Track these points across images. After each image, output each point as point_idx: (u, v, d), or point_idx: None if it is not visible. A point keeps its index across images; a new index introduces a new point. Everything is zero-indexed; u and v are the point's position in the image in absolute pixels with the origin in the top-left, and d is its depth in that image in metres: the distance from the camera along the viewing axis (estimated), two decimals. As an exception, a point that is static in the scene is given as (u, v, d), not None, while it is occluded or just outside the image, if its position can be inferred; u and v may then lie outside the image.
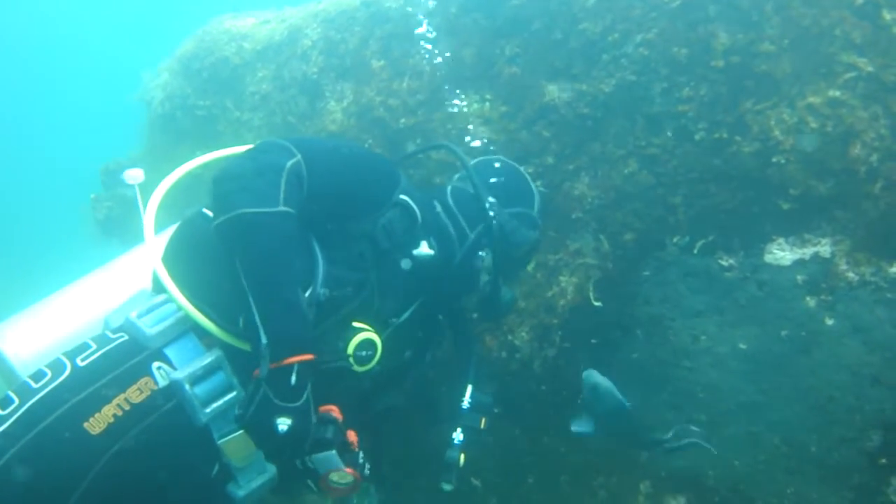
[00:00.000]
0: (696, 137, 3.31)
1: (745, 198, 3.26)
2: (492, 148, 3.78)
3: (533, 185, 2.96)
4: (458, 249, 2.73)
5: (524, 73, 3.75)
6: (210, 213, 2.30)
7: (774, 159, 3.16)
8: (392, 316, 2.55)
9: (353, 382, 2.42)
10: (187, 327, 2.32)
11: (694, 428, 3.31)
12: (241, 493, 2.34)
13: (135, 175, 2.80)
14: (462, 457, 2.87)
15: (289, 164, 2.17)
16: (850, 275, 3.10)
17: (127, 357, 2.26)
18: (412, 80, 4.05)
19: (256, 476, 2.36)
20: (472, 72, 3.90)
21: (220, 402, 2.24)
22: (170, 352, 2.29)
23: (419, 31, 4.02)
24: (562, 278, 3.63)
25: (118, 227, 6.17)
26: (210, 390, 2.24)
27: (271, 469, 2.39)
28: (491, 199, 2.74)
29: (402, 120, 4.02)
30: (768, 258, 3.24)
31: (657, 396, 3.49)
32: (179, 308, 2.26)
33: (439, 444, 2.96)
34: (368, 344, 2.31)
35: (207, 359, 2.25)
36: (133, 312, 2.35)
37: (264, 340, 2.02)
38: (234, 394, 2.26)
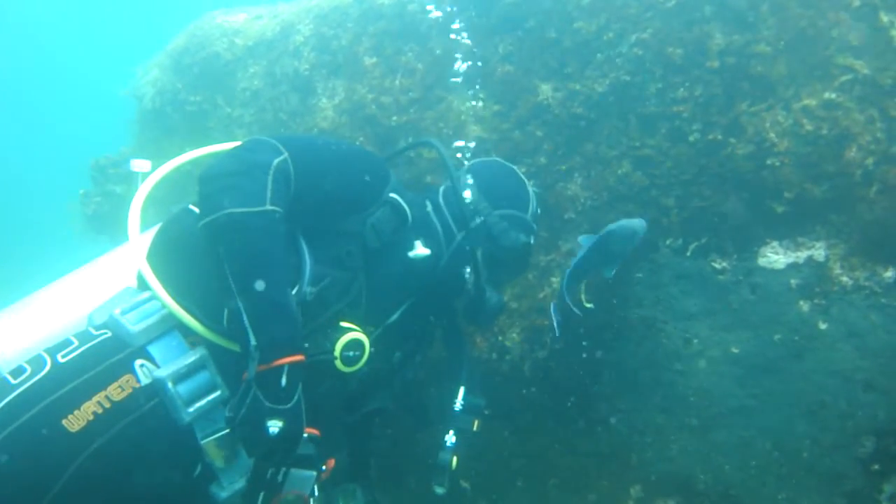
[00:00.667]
0: (691, 139, 3.29)
1: (739, 200, 3.23)
2: (487, 148, 3.75)
3: (530, 189, 2.90)
4: (444, 250, 2.67)
5: (517, 71, 3.71)
6: (196, 210, 2.25)
7: (769, 161, 3.13)
8: (381, 317, 2.51)
9: (339, 383, 2.37)
10: (171, 325, 2.27)
11: None
12: (223, 494, 2.28)
13: (142, 165, 2.74)
14: (454, 459, 2.83)
15: (275, 161, 2.13)
16: (845, 279, 3.07)
17: (109, 354, 2.22)
18: (404, 78, 4.01)
19: (239, 478, 2.29)
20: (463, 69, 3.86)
21: (204, 401, 2.18)
22: (153, 349, 2.24)
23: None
24: (553, 279, 3.59)
25: (107, 223, 6.08)
26: (193, 389, 2.19)
27: None
28: (469, 197, 2.69)
29: (395, 118, 3.98)
30: (762, 261, 3.21)
31: (648, 400, 3.47)
32: (164, 306, 2.21)
33: (428, 445, 2.93)
34: (356, 344, 2.25)
35: (191, 357, 2.20)
36: (117, 309, 2.30)
37: (253, 342, 1.97)
38: (218, 393, 2.21)
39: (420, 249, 2.53)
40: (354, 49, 4.20)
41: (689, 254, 3.35)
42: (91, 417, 2.08)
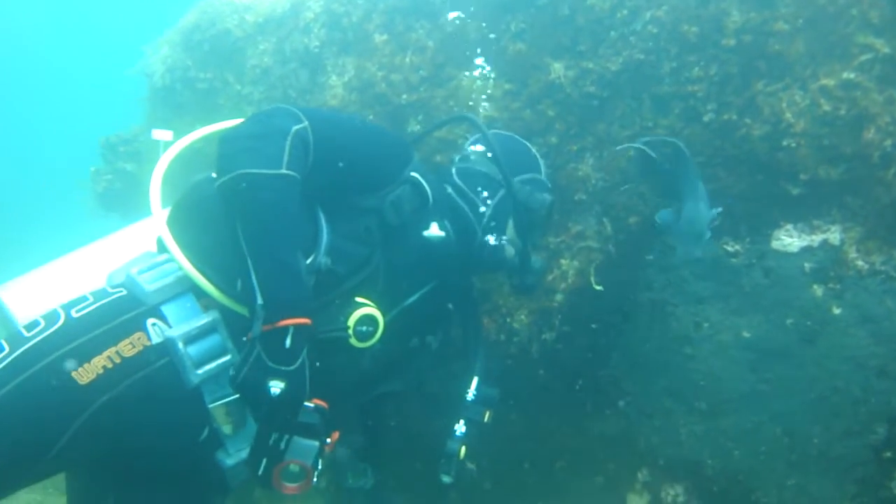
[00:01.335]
0: (705, 119, 3.24)
1: (754, 182, 3.19)
2: (498, 127, 3.70)
3: (534, 151, 2.90)
4: (477, 227, 2.68)
5: (530, 49, 3.66)
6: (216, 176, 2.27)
7: (785, 143, 3.08)
8: (399, 297, 2.49)
9: (351, 359, 2.36)
10: (187, 287, 2.28)
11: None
12: (229, 461, 2.30)
13: (163, 135, 2.77)
14: (463, 449, 2.80)
15: (295, 128, 2.15)
16: (860, 263, 3.03)
17: (122, 311, 2.24)
18: (415, 56, 3.96)
19: (246, 446, 2.28)
20: (475, 47, 3.82)
21: (213, 364, 2.20)
22: (167, 310, 2.25)
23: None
24: (563, 261, 3.56)
25: (118, 201, 6.10)
26: (204, 351, 2.21)
27: None
28: (486, 169, 2.71)
29: (405, 96, 3.94)
30: (775, 244, 3.18)
31: (657, 383, 3.44)
32: (179, 267, 2.24)
33: (438, 431, 2.92)
34: (370, 320, 2.25)
35: (204, 319, 2.22)
36: (134, 269, 2.32)
37: (259, 301, 1.99)
38: (228, 357, 2.22)
39: (434, 230, 2.51)
40: (365, 26, 4.16)
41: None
42: (101, 371, 2.10)
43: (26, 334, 2.17)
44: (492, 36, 3.77)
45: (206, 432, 2.27)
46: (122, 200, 6.11)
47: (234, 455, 2.31)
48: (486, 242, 2.68)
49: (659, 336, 3.43)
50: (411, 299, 2.53)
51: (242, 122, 2.23)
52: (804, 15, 3.08)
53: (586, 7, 3.47)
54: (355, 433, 2.81)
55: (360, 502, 2.95)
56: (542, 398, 3.65)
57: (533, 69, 3.64)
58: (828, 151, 3.04)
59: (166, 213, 2.42)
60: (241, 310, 2.19)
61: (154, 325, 2.22)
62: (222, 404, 2.22)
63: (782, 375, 3.20)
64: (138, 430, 2.16)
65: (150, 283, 2.26)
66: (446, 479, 2.81)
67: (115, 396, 2.10)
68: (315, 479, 2.17)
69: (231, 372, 2.06)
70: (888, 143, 2.95)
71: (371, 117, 4.01)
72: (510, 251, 2.68)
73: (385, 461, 3.02)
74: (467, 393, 2.88)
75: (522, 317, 3.68)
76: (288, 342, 1.99)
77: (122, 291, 2.32)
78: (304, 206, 2.23)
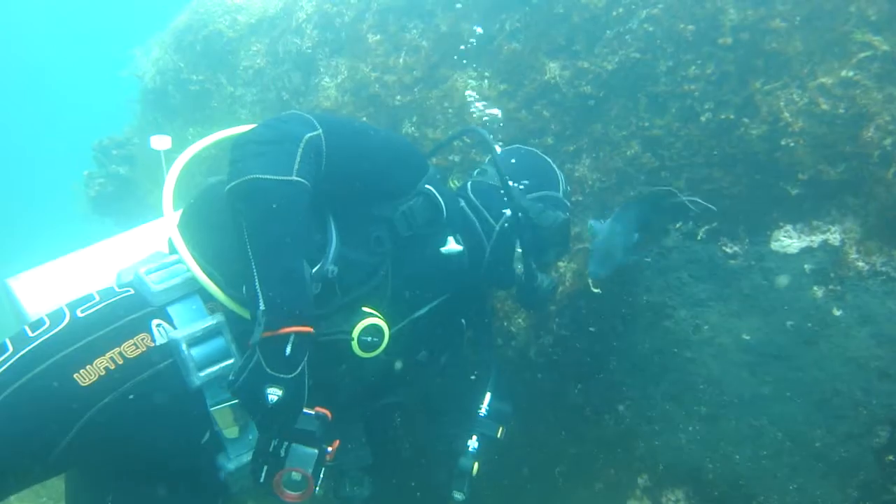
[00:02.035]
0: (702, 119, 3.22)
1: (752, 182, 3.17)
2: (493, 128, 3.69)
3: (556, 168, 2.91)
4: (486, 243, 2.69)
5: (524, 49, 3.65)
6: None
7: (783, 142, 3.06)
8: (407, 309, 2.50)
9: (355, 368, 2.37)
10: (193, 289, 2.32)
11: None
12: (230, 466, 2.32)
13: (162, 143, 2.80)
14: (476, 466, 2.82)
15: (308, 135, 2.16)
16: (861, 264, 3.01)
17: (128, 311, 2.27)
18: (409, 56, 3.96)
19: (248, 451, 2.33)
20: (469, 47, 3.81)
21: (216, 367, 2.22)
22: (172, 311, 2.29)
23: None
24: (560, 264, 3.55)
25: (111, 205, 6.11)
26: (207, 354, 2.23)
27: None
28: (514, 184, 2.71)
29: (398, 97, 3.94)
30: (775, 246, 3.15)
31: (656, 387, 3.42)
32: (188, 269, 2.26)
33: (442, 442, 2.93)
34: (375, 330, 2.27)
35: (209, 322, 2.25)
36: (143, 269, 2.36)
37: (261, 307, 2.00)
38: (231, 361, 2.25)
39: (452, 245, 2.53)
40: (358, 26, 4.16)
41: (699, 238, 3.29)
42: (103, 373, 2.12)
43: (30, 334, 2.20)
44: (485, 41, 3.76)
45: (207, 436, 2.29)
46: (116, 204, 6.12)
47: (235, 460, 2.33)
48: (495, 257, 2.69)
49: (658, 339, 3.41)
50: (420, 312, 2.54)
51: (256, 127, 2.24)
52: (802, 12, 3.06)
53: (581, 6, 3.47)
54: (357, 443, 2.80)
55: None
56: (540, 402, 3.63)
57: (528, 69, 3.64)
58: (827, 151, 3.02)
59: (178, 214, 2.46)
60: (247, 314, 2.20)
61: (159, 325, 2.25)
62: (224, 408, 2.24)
63: (783, 378, 3.17)
64: (140, 432, 2.19)
65: (157, 284, 2.31)
66: (459, 496, 2.81)
67: (117, 398, 2.12)
68: (317, 489, 2.20)
69: (230, 377, 2.07)
70: (888, 141, 2.93)
71: (364, 119, 4.00)
72: (519, 268, 2.70)
73: (384, 471, 3.02)
74: (480, 408, 2.89)
75: (520, 320, 3.67)
76: (288, 350, 2.00)
77: (129, 291, 2.36)
78: (314, 214, 2.25)
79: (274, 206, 2.04)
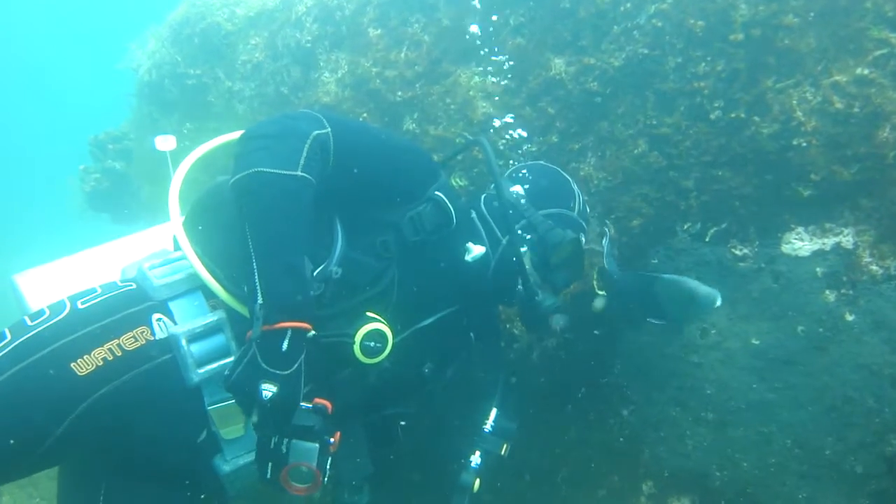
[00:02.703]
0: (712, 117, 3.17)
1: (763, 183, 3.12)
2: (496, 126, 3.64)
3: (575, 187, 2.87)
4: (492, 257, 2.66)
5: (529, 44, 3.59)
6: None
7: (795, 142, 3.01)
8: (414, 317, 2.49)
9: (357, 374, 2.35)
10: (196, 285, 2.34)
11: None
12: (226, 468, 2.32)
13: (167, 143, 2.80)
14: (477, 482, 2.78)
15: (315, 132, 2.17)
16: (874, 268, 2.96)
17: (129, 304, 2.28)
18: (410, 51, 3.90)
19: (245, 453, 2.33)
20: (473, 42, 3.75)
21: (215, 364, 2.23)
22: (174, 306, 2.31)
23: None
24: (564, 264, 3.49)
25: (107, 200, 6.06)
26: (207, 351, 2.24)
27: None
28: (518, 197, 2.70)
29: (399, 93, 3.88)
30: (785, 248, 3.11)
31: (662, 392, 3.38)
32: (191, 265, 2.27)
33: (444, 452, 2.89)
34: (378, 335, 2.24)
35: (209, 319, 2.27)
36: (146, 264, 2.38)
37: (259, 301, 1.99)
38: (231, 359, 2.24)
39: (476, 249, 2.54)
40: (358, 20, 4.10)
41: (707, 239, 3.24)
42: (100, 363, 2.13)
43: (29, 323, 2.21)
44: (490, 34, 3.70)
45: (204, 434, 2.29)
46: (112, 200, 6.07)
47: (232, 462, 2.33)
48: (498, 271, 2.66)
49: (664, 343, 3.36)
50: (427, 321, 2.52)
51: (263, 122, 2.25)
52: (815, 8, 3.01)
53: (588, 0, 3.40)
54: (358, 452, 2.76)
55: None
56: (542, 407, 3.59)
57: (533, 65, 3.58)
58: (840, 151, 2.97)
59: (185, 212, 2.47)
60: (247, 312, 2.18)
61: (159, 320, 2.27)
62: (222, 407, 2.24)
63: (793, 384, 3.12)
64: (135, 426, 2.20)
65: (159, 279, 2.33)
66: None
67: (113, 390, 2.13)
68: (325, 480, 2.17)
69: (226, 372, 2.05)
70: (904, 142, 2.88)
71: (365, 115, 3.95)
72: (520, 285, 2.65)
73: (384, 482, 2.99)
74: (485, 424, 2.86)
75: (522, 323, 3.62)
76: (285, 345, 1.98)
77: (131, 285, 2.39)
78: (319, 214, 2.23)
79: (277, 199, 2.05)
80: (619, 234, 3.40)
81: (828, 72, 3.01)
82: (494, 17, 3.67)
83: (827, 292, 3.04)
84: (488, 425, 2.85)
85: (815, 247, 3.06)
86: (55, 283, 2.57)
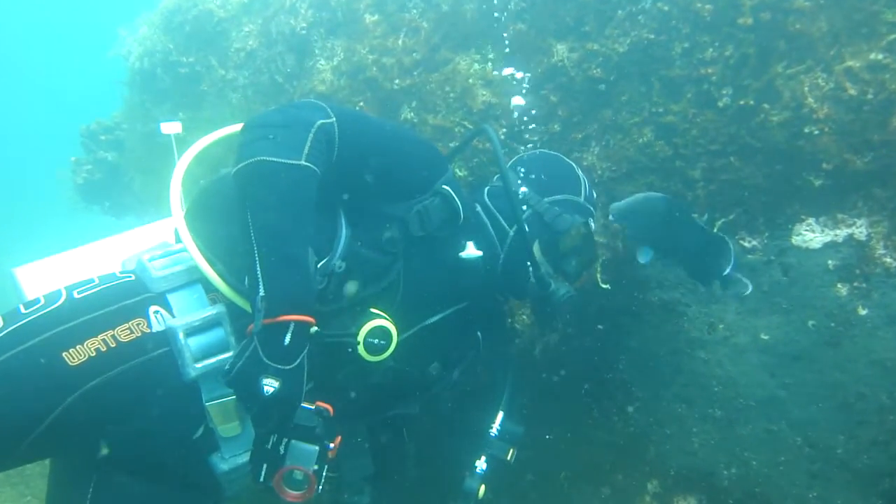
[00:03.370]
0: (720, 104, 3.10)
1: (773, 172, 3.06)
2: (496, 114, 3.57)
3: (580, 172, 2.83)
4: (500, 250, 2.63)
5: (530, 30, 3.52)
6: None
7: (807, 130, 2.95)
8: (420, 314, 2.46)
9: (360, 372, 2.31)
10: (196, 278, 2.31)
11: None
12: (224, 466, 2.29)
13: (172, 128, 2.81)
14: (482, 488, 2.73)
15: (320, 121, 2.14)
16: (888, 260, 2.92)
17: (126, 296, 2.26)
18: (408, 38, 3.81)
19: (243, 452, 2.30)
20: (473, 28, 3.67)
21: (214, 359, 2.20)
22: (172, 298, 2.28)
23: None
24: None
25: (99, 192, 5.99)
26: (205, 345, 2.21)
27: None
28: (523, 187, 2.66)
29: (397, 81, 3.80)
30: (796, 240, 3.07)
31: (668, 389, 3.35)
32: (191, 257, 2.24)
33: (447, 454, 2.84)
34: (382, 332, 2.21)
35: (209, 312, 2.23)
36: (146, 255, 2.36)
37: (261, 293, 1.96)
38: (230, 354, 2.21)
39: (471, 250, 2.48)
40: (354, 6, 4.02)
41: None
42: (93, 354, 2.10)
43: (23, 311, 2.18)
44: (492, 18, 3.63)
45: (200, 431, 2.26)
46: (104, 192, 6.00)
47: (230, 460, 2.30)
48: (508, 263, 2.62)
49: (670, 338, 3.34)
50: (433, 319, 2.49)
51: (267, 111, 2.22)
52: (828, -10, 2.93)
53: (591, -17, 3.33)
54: (359, 452, 2.71)
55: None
56: (545, 404, 3.54)
57: (534, 51, 3.50)
58: (853, 139, 2.91)
59: (187, 204, 2.45)
60: (247, 306, 2.18)
61: (157, 312, 2.25)
62: (220, 403, 2.21)
63: (803, 381, 3.09)
64: (127, 420, 2.15)
65: (158, 270, 2.30)
66: None
67: (105, 382, 2.09)
68: (319, 488, 2.13)
69: (226, 367, 2.02)
70: (919, 129, 2.81)
71: (361, 104, 3.87)
72: (532, 275, 2.60)
73: (387, 483, 2.95)
74: (491, 428, 2.81)
75: (525, 317, 3.58)
76: (287, 339, 1.96)
77: (130, 277, 2.36)
78: (323, 205, 2.20)
79: (280, 188, 2.02)
80: (624, 226, 3.32)
81: (840, 57, 2.93)
82: (495, 1, 3.59)
83: (839, 285, 3.00)
84: (494, 429, 2.80)
85: (827, 238, 3.02)
86: (55, 276, 2.54)
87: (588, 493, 3.49)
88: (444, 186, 2.44)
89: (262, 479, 2.10)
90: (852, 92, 2.88)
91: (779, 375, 3.13)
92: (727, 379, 3.23)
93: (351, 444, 2.57)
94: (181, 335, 2.17)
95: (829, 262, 3.00)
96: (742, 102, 3.06)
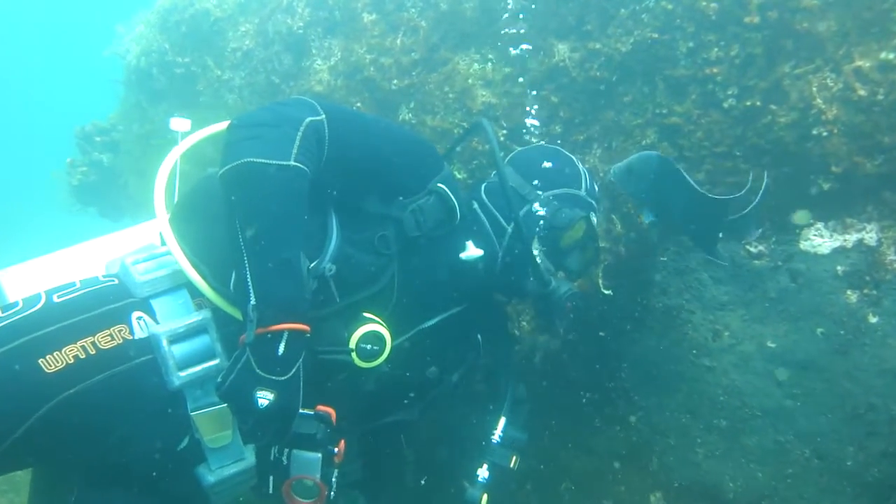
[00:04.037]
0: (725, 105, 3.05)
1: (780, 175, 3.00)
2: (496, 115, 3.51)
3: (580, 165, 2.76)
4: (497, 248, 2.55)
5: (531, 29, 3.47)
6: None
7: (815, 131, 2.90)
8: (416, 318, 2.41)
9: (353, 379, 2.27)
10: (181, 282, 2.24)
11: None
12: (211, 478, 2.23)
13: (181, 124, 2.74)
14: (485, 498, 2.67)
15: (309, 119, 2.08)
16: (899, 266, 2.84)
17: (108, 300, 2.19)
18: (406, 37, 3.77)
19: (231, 463, 2.24)
20: (472, 27, 3.62)
21: (199, 367, 2.14)
22: (156, 304, 2.22)
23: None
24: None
25: (94, 194, 5.96)
26: (189, 353, 2.15)
27: (250, 458, 2.26)
28: (520, 181, 2.59)
29: (395, 81, 3.77)
30: (804, 245, 3.01)
31: (671, 398, 3.30)
32: (176, 261, 2.18)
33: (450, 465, 2.83)
34: (375, 337, 2.17)
35: (194, 318, 2.17)
36: (130, 258, 2.29)
37: (253, 301, 1.90)
38: (215, 362, 2.16)
39: (472, 250, 2.42)
40: (352, 5, 3.99)
41: (721, 235, 3.06)
42: (71, 361, 2.04)
43: (0, 315, 2.12)
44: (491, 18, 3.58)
45: (185, 442, 2.20)
46: (99, 194, 5.97)
47: (217, 472, 2.23)
48: (507, 262, 2.55)
49: (674, 345, 3.28)
50: (431, 322, 2.45)
51: (254, 110, 2.16)
52: (837, -12, 2.88)
53: (593, -19, 3.28)
54: (353, 461, 2.66)
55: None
56: (545, 413, 3.49)
57: (535, 51, 3.46)
58: (863, 141, 2.85)
59: (172, 206, 2.41)
60: (234, 312, 2.14)
61: (140, 318, 2.18)
62: (206, 413, 2.15)
63: (812, 390, 3.03)
64: (109, 431, 2.10)
65: (142, 274, 2.24)
66: None
67: (84, 390, 2.03)
68: (332, 494, 2.13)
69: (218, 379, 1.98)
70: (932, 131, 2.75)
71: (358, 105, 3.83)
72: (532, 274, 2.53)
73: (384, 493, 2.89)
74: (493, 434, 2.75)
75: (524, 323, 3.54)
76: (281, 349, 1.91)
77: (113, 280, 2.29)
78: (313, 206, 2.15)
79: (269, 190, 1.95)
80: (627, 230, 3.29)
81: (850, 56, 2.88)
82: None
83: (848, 292, 2.95)
84: (496, 436, 2.74)
85: (836, 244, 2.96)
86: (38, 279, 2.49)
87: (589, 504, 3.44)
88: (440, 185, 2.38)
89: (270, 492, 2.10)
90: (862, 92, 2.83)
91: (786, 385, 3.08)
92: (732, 388, 3.17)
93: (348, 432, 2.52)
94: (165, 342, 2.11)
95: (838, 267, 2.94)
96: (748, 103, 3.01)
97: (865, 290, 2.90)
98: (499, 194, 2.59)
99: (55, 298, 2.18)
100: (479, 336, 2.72)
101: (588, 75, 3.33)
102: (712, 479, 3.22)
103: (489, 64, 3.61)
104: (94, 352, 2.07)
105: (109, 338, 2.10)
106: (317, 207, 2.22)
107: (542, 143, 2.94)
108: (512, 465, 2.73)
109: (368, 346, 2.15)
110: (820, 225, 2.99)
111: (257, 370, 1.89)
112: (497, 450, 2.73)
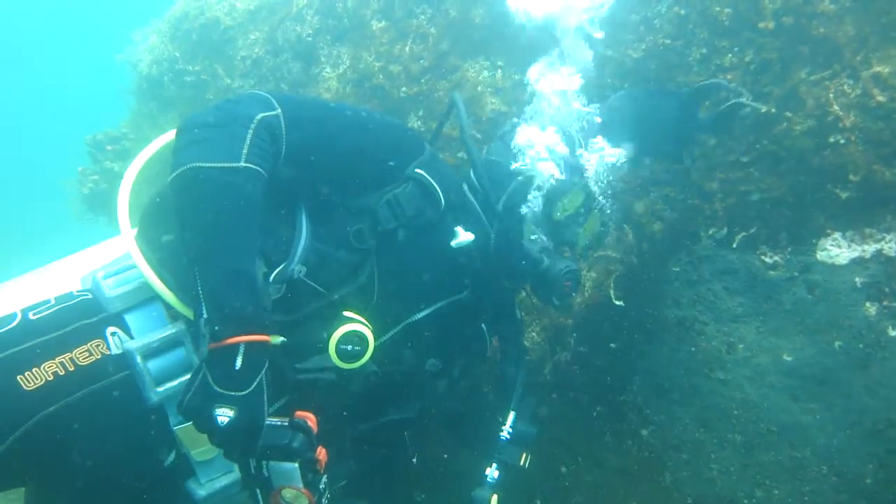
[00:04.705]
0: (740, 112, 2.97)
1: (796, 184, 2.96)
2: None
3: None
4: (490, 229, 2.44)
5: (541, 35, 3.42)
6: None
7: (832, 139, 2.85)
8: (401, 312, 2.32)
9: (336, 381, 2.17)
10: (152, 295, 2.17)
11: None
12: (202, 492, 2.18)
13: None
14: (494, 498, 2.57)
15: (261, 115, 1.96)
16: (920, 278, 2.78)
17: (83, 316, 2.15)
18: (415, 44, 3.75)
19: (221, 475, 2.20)
20: (482, 34, 3.59)
21: (176, 382, 2.09)
22: (130, 318, 2.16)
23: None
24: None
25: (105, 203, 5.97)
26: (165, 367, 2.10)
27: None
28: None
29: (404, 88, 3.75)
30: (821, 256, 2.96)
31: (685, 411, 3.25)
32: (142, 273, 2.10)
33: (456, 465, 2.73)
34: (356, 337, 2.08)
35: (168, 332, 2.11)
36: (101, 272, 2.22)
37: (205, 315, 1.82)
38: None
39: (463, 236, 2.30)
40: (361, 12, 3.97)
41: (734, 245, 3.10)
42: (50, 377, 2.00)
43: None
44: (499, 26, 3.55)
45: (172, 457, 2.16)
46: (110, 202, 5.97)
47: (207, 485, 2.19)
48: (500, 244, 2.41)
49: (687, 358, 3.24)
50: (421, 314, 2.35)
51: (203, 110, 2.03)
52: (854, -7, 2.83)
53: (604, -14, 3.24)
54: (347, 463, 2.60)
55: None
56: (555, 426, 3.45)
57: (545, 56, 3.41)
58: (882, 149, 2.80)
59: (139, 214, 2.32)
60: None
61: (114, 334, 2.14)
62: (189, 427, 2.05)
63: (829, 405, 2.98)
64: (91, 448, 2.05)
65: (112, 289, 2.18)
66: None
67: (65, 407, 2.00)
68: (324, 500, 2.04)
69: (179, 398, 1.90)
70: (953, 139, 2.69)
71: (367, 113, 3.80)
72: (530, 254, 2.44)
73: (380, 495, 2.83)
74: (502, 430, 2.64)
75: (534, 334, 3.50)
76: (238, 363, 1.81)
77: (87, 295, 2.24)
78: (278, 206, 2.08)
79: (216, 197, 1.85)
80: (639, 240, 3.23)
81: (867, 62, 2.84)
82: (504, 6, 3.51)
83: (867, 304, 2.89)
84: (505, 431, 2.64)
85: (854, 254, 2.91)
86: (13, 298, 2.40)
87: (600, 520, 3.38)
88: (418, 170, 2.26)
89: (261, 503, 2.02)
90: (881, 99, 2.78)
91: (803, 399, 3.02)
92: (747, 402, 3.12)
93: (331, 455, 2.45)
94: (139, 358, 2.06)
95: (857, 279, 2.88)
96: (763, 111, 2.96)
97: (885, 303, 2.85)
98: (490, 172, 2.48)
99: (31, 316, 2.14)
100: (483, 326, 2.61)
101: (599, 82, 3.28)
102: (727, 496, 3.16)
103: (499, 71, 3.58)
104: (72, 368, 2.03)
105: (87, 353, 2.07)
106: (283, 207, 2.15)
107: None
108: (522, 462, 2.64)
109: (349, 347, 2.08)
110: (837, 235, 2.93)
111: (215, 387, 1.81)
112: (506, 447, 2.63)
